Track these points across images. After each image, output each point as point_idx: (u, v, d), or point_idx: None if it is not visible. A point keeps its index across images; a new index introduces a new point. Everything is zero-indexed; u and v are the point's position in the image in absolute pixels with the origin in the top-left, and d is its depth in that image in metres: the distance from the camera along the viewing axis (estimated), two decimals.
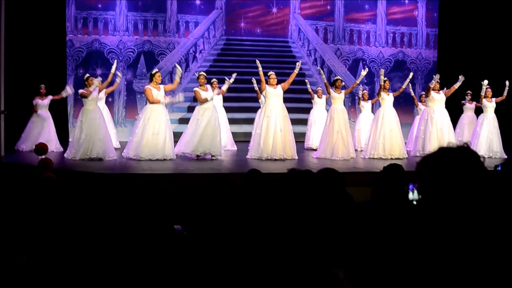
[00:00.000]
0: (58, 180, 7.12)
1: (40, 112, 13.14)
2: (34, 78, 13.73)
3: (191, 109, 13.08)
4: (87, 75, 11.70)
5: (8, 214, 4.81)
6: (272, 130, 11.19)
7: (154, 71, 11.26)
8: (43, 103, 13.16)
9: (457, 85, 12.22)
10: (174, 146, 11.27)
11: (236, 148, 13.57)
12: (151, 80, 11.10)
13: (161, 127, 10.91)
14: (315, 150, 12.77)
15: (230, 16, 16.78)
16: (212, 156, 11.13)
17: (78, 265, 3.40)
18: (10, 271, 3.49)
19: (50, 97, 13.21)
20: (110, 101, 15.43)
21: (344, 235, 2.77)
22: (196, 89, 11.32)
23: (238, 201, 4.85)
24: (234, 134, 14.10)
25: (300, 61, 12.09)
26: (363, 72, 12.41)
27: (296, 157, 11.42)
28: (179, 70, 11.49)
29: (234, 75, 12.52)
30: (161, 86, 11.13)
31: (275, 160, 11.01)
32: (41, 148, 10.06)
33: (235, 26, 16.84)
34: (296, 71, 11.63)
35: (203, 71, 12.29)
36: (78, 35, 15.73)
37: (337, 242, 2.65)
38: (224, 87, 12.00)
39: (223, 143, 12.45)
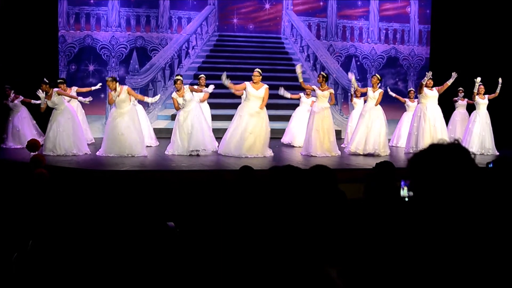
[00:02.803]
0: (50, 176, 7.10)
1: (15, 112, 13.21)
2: (26, 74, 13.68)
3: None
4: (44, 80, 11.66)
5: (0, 211, 4.80)
6: (241, 130, 11.15)
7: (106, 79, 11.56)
8: (13, 104, 13.19)
9: (449, 82, 12.23)
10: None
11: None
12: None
13: (122, 126, 11.07)
14: (291, 146, 12.87)
15: (222, 12, 16.75)
16: (198, 152, 11.23)
17: (71, 261, 3.39)
18: (2, 268, 3.49)
19: (20, 98, 13.25)
20: (102, 97, 15.38)
21: (336, 232, 2.78)
22: (173, 96, 11.54)
23: (231, 198, 4.85)
24: (225, 130, 14.07)
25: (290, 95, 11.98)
26: (353, 80, 12.48)
27: (269, 154, 11.37)
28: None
29: (211, 87, 12.55)
30: (125, 87, 11.33)
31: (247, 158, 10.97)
32: (33, 144, 10.04)
33: (228, 22, 16.82)
34: (289, 96, 11.70)
35: (180, 74, 12.29)
36: (70, 31, 15.66)
37: (330, 239, 2.66)
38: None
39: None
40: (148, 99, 11.99)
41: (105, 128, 11.37)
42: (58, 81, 13.24)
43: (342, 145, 13.24)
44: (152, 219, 4.68)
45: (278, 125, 14.57)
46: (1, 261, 3.60)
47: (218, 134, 13.68)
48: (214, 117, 14.01)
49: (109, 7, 15.89)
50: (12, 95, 13.23)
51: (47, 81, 11.39)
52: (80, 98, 12.29)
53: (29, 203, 5.13)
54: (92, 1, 15.82)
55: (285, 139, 14.05)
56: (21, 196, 5.50)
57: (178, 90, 11.36)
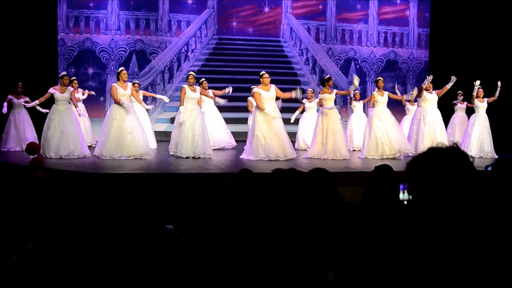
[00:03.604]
0: (49, 179, 7.10)
1: (17, 111, 13.13)
2: (26, 77, 13.69)
3: None
4: (64, 73, 11.76)
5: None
6: (276, 131, 11.13)
7: (119, 69, 11.27)
8: (19, 102, 13.11)
9: (449, 85, 12.22)
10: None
11: (234, 143, 13.67)
12: (118, 79, 11.18)
13: (130, 125, 10.99)
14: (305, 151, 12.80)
15: (222, 15, 16.77)
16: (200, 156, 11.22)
17: (71, 264, 3.39)
18: (1, 271, 3.48)
19: (27, 98, 13.17)
20: (101, 100, 15.42)
21: (335, 234, 2.78)
22: (184, 86, 11.41)
23: (230, 201, 4.85)
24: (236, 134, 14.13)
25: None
26: (355, 81, 12.09)
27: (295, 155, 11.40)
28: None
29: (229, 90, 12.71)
30: (129, 84, 11.17)
31: (277, 160, 10.97)
32: (32, 147, 10.03)
33: (227, 26, 16.84)
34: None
35: (194, 71, 12.25)
36: (69, 34, 15.68)
37: (328, 241, 2.66)
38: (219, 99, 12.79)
39: (223, 140, 12.64)
40: (148, 106, 12.14)
41: (107, 127, 10.99)
42: (72, 78, 13.33)
43: None
44: (151, 222, 4.67)
45: None
46: (0, 264, 3.60)
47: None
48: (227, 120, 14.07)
49: (108, 10, 15.91)
50: (21, 97, 13.22)
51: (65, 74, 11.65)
52: (78, 109, 12.32)
53: (28, 206, 5.13)
54: (91, 4, 15.84)
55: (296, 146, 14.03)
56: (20, 199, 5.50)
57: (190, 85, 11.33)
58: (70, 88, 11.47)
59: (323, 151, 11.49)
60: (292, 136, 14.19)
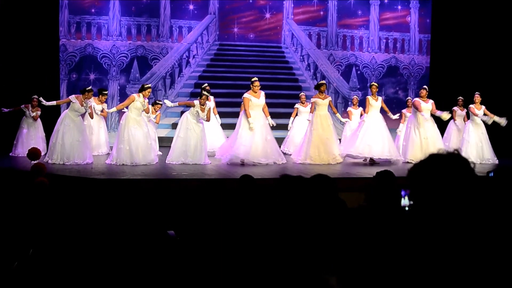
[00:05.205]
0: (51, 185, 7.10)
1: (30, 121, 13.15)
2: (27, 83, 13.71)
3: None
4: (90, 87, 11.85)
5: (1, 219, 4.79)
6: (259, 139, 11.25)
7: (147, 86, 11.47)
8: (29, 114, 13.15)
9: (440, 115, 12.13)
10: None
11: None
12: (140, 91, 11.41)
13: (147, 134, 11.37)
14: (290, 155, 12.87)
15: (223, 21, 16.79)
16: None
17: (72, 269, 3.39)
18: (3, 277, 3.48)
19: (39, 113, 13.22)
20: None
21: (336, 240, 2.78)
22: (196, 102, 11.54)
23: (232, 207, 4.85)
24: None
25: None
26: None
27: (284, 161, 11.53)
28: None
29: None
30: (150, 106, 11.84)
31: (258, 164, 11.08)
32: (34, 153, 10.02)
33: (229, 31, 16.85)
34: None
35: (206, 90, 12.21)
36: (71, 40, 15.70)
37: (330, 247, 2.66)
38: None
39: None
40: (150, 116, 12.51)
41: (122, 136, 11.13)
42: (104, 92, 13.53)
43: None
44: (153, 227, 4.68)
45: (278, 133, 14.58)
46: (2, 269, 3.60)
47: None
48: (223, 126, 14.07)
49: (110, 16, 15.94)
50: (36, 109, 13.22)
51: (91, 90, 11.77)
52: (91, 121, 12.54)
53: (29, 212, 5.13)
54: (93, 10, 15.86)
55: (283, 149, 13.97)
56: (22, 205, 5.50)
57: (202, 105, 11.44)
58: (90, 103, 11.55)
59: (317, 155, 11.51)
60: (279, 141, 14.24)
